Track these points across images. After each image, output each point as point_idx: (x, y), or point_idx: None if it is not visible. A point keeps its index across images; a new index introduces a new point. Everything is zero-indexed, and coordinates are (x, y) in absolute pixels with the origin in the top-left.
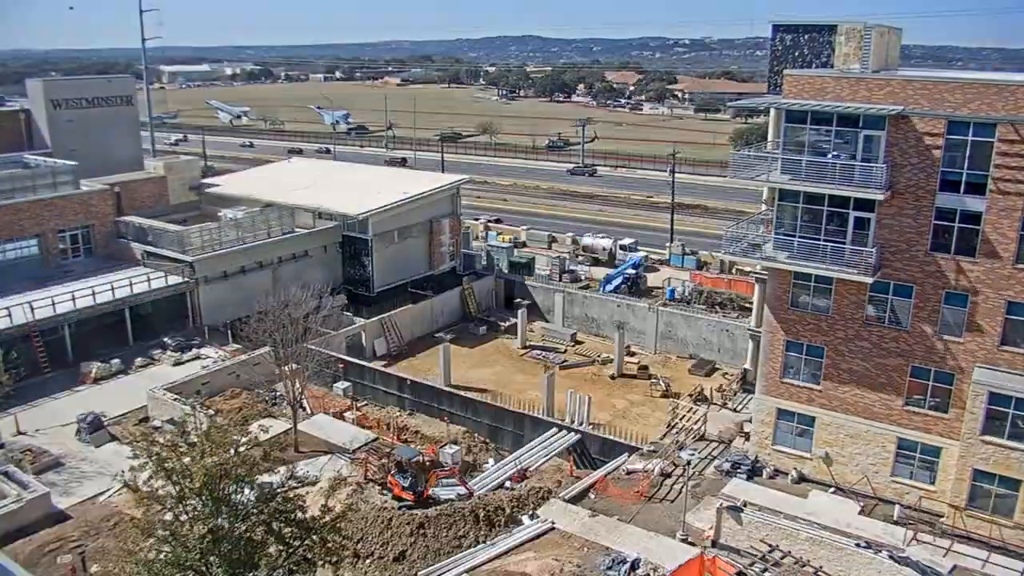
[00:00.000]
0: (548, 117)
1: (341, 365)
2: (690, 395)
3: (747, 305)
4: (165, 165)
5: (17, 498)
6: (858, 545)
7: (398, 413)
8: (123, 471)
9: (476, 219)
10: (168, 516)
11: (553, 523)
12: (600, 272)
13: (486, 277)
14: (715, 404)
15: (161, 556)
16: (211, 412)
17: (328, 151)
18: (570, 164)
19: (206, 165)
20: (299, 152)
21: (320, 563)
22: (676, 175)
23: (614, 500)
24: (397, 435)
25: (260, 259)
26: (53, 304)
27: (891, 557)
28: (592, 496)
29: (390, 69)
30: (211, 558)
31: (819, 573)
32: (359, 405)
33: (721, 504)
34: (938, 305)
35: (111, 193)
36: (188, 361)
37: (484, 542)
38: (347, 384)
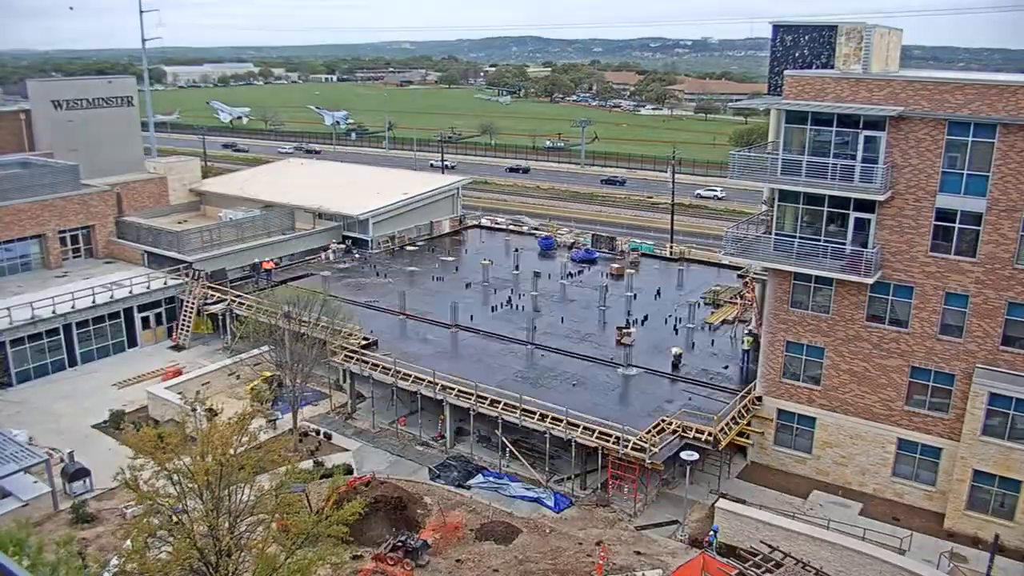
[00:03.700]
0: (548, 118)
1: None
2: None
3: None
4: (165, 166)
5: (18, 499)
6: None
7: None
8: (123, 469)
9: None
10: (171, 517)
11: None
12: None
13: None
14: None
15: (161, 555)
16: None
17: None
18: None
19: (206, 165)
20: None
21: (320, 561)
22: (676, 175)
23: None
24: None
25: (260, 259)
26: (53, 304)
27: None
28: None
29: (390, 69)
30: (211, 557)
31: (819, 573)
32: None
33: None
34: (938, 306)
35: (111, 193)
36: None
37: None
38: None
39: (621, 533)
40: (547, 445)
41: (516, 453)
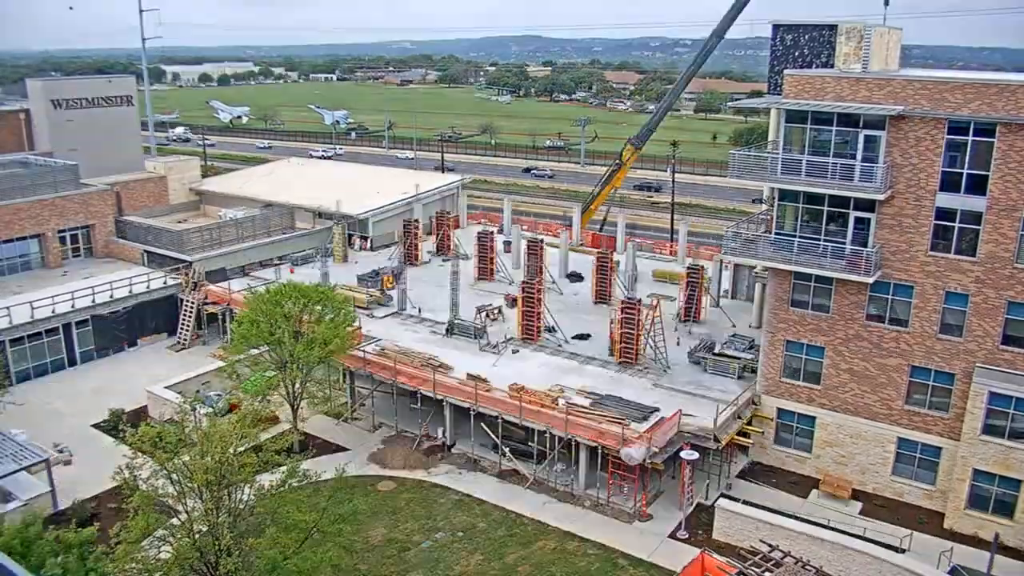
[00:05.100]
0: (548, 117)
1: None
2: None
3: None
4: (165, 165)
5: (19, 498)
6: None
7: None
8: (121, 467)
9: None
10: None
11: None
12: None
13: None
14: None
15: (161, 554)
16: (211, 411)
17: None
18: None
19: (206, 165)
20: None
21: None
22: (675, 174)
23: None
24: None
25: (260, 259)
26: (53, 304)
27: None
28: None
29: (390, 69)
30: (211, 556)
31: (819, 573)
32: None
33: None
34: (938, 305)
35: (111, 193)
36: None
37: None
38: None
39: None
40: (546, 444)
41: (507, 452)
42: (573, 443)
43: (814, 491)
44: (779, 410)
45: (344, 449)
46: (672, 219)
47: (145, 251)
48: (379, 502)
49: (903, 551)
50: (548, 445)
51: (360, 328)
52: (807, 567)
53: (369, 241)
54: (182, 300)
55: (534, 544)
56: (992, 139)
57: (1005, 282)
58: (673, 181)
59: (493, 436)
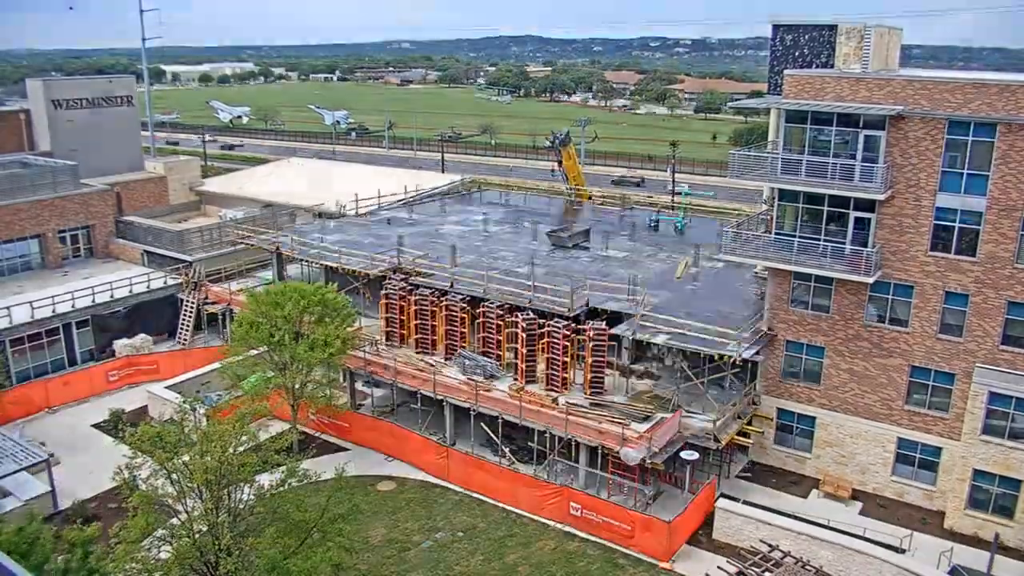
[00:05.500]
0: (549, 117)
1: None
2: None
3: None
4: (165, 165)
5: (18, 499)
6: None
7: None
8: (121, 467)
9: None
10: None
11: None
12: None
13: None
14: None
15: (161, 554)
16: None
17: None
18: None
19: (206, 165)
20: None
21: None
22: (675, 174)
23: None
24: None
25: (261, 259)
26: (53, 304)
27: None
28: None
29: (390, 69)
30: (211, 556)
31: (819, 573)
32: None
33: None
34: (938, 305)
35: (111, 193)
36: None
37: None
38: None
39: None
40: (546, 444)
41: (506, 452)
42: (573, 443)
43: (814, 491)
44: (779, 410)
45: (344, 449)
46: None
47: (145, 251)
48: (379, 502)
49: (903, 551)
50: (548, 445)
51: (361, 329)
52: (807, 567)
53: None
54: (182, 300)
55: (534, 544)
56: (992, 139)
57: (1005, 282)
58: (673, 181)
59: (493, 436)
